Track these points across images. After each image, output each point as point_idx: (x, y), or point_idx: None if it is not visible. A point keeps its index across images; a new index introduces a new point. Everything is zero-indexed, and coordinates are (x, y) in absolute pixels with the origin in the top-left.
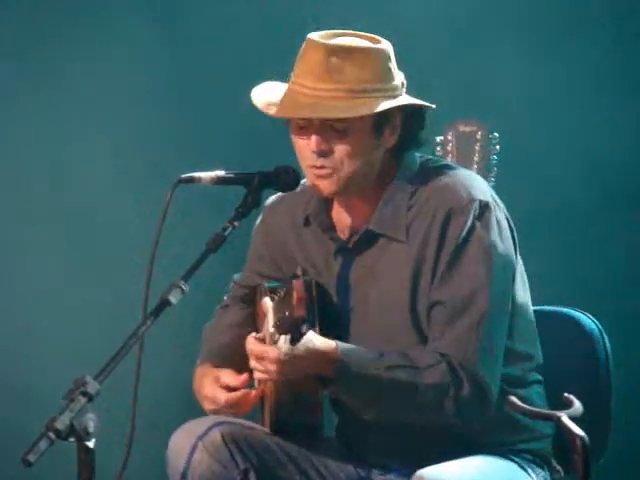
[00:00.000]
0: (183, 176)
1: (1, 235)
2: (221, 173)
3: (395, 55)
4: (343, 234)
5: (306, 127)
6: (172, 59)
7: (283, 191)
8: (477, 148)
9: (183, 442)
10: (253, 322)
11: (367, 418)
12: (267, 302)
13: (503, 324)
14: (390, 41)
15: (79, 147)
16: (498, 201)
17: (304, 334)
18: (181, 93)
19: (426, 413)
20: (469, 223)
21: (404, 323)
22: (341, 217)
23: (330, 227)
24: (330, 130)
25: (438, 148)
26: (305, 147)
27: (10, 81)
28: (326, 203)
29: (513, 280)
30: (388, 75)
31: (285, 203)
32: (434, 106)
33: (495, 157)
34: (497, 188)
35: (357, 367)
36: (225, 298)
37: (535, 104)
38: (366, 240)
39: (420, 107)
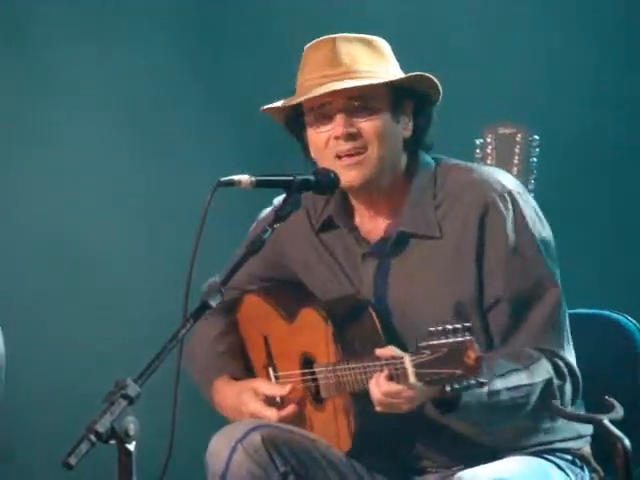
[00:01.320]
0: (222, 179)
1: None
2: (259, 176)
3: (432, 58)
4: (369, 236)
5: (326, 114)
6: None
7: (322, 194)
8: (517, 150)
9: (222, 444)
10: (236, 329)
11: (476, 432)
12: (406, 358)
13: (565, 304)
14: (426, 44)
15: (112, 157)
16: (524, 189)
17: (472, 390)
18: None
19: (538, 410)
20: (510, 213)
21: (449, 318)
22: (365, 220)
23: (353, 227)
24: (353, 112)
25: (478, 150)
26: (328, 137)
27: None
28: (346, 206)
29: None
30: (393, 61)
31: (297, 211)
32: (440, 95)
33: (535, 159)
34: (537, 190)
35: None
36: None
37: (572, 104)
38: (398, 242)
39: (429, 100)
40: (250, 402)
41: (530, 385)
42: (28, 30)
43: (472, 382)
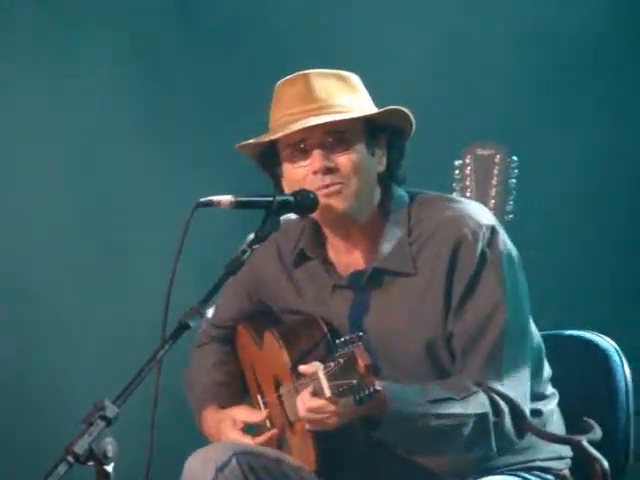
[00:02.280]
0: (202, 200)
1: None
2: (239, 197)
3: (411, 78)
4: (341, 270)
5: (304, 149)
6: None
7: (302, 215)
8: (495, 172)
9: (199, 466)
10: (236, 359)
11: (410, 456)
12: (319, 372)
13: (524, 343)
14: (406, 62)
15: (97, 168)
16: (499, 225)
17: (373, 398)
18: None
19: (470, 444)
20: (480, 250)
21: (420, 354)
22: (339, 254)
23: (327, 260)
24: (330, 147)
25: (456, 172)
26: (306, 172)
27: None
28: (319, 238)
29: (527, 297)
30: (366, 95)
31: (273, 241)
32: (413, 129)
33: (514, 180)
34: (514, 211)
35: (405, 407)
36: (199, 337)
37: (552, 125)
38: (372, 277)
39: (402, 134)
40: (228, 431)
41: (462, 415)
42: None
43: (368, 392)
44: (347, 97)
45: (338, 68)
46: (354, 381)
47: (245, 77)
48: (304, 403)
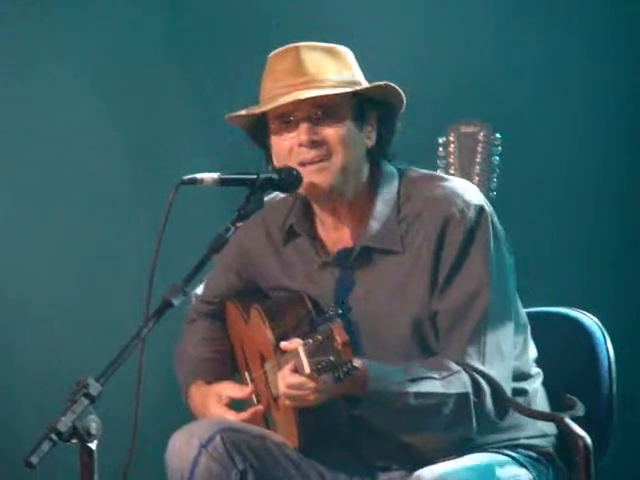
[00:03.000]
0: (185, 177)
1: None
2: (223, 174)
3: (395, 56)
4: (330, 246)
5: (291, 121)
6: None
7: (285, 192)
8: (479, 149)
9: (182, 443)
10: (225, 335)
11: (393, 432)
12: (300, 349)
13: (508, 323)
14: (386, 43)
15: (84, 147)
16: (489, 204)
17: (352, 375)
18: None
19: (451, 423)
20: (467, 230)
21: (407, 333)
22: (327, 230)
23: (316, 237)
24: (317, 120)
25: (440, 149)
26: (292, 144)
27: None
28: (308, 215)
29: (513, 278)
30: (357, 70)
31: (262, 218)
32: (404, 101)
33: (497, 158)
34: (498, 188)
35: (385, 385)
36: (189, 313)
37: (540, 104)
38: (360, 256)
39: (394, 110)
40: (213, 406)
41: (442, 395)
42: None
43: (346, 369)
44: (337, 72)
45: (321, 42)
46: (332, 358)
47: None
48: (284, 379)
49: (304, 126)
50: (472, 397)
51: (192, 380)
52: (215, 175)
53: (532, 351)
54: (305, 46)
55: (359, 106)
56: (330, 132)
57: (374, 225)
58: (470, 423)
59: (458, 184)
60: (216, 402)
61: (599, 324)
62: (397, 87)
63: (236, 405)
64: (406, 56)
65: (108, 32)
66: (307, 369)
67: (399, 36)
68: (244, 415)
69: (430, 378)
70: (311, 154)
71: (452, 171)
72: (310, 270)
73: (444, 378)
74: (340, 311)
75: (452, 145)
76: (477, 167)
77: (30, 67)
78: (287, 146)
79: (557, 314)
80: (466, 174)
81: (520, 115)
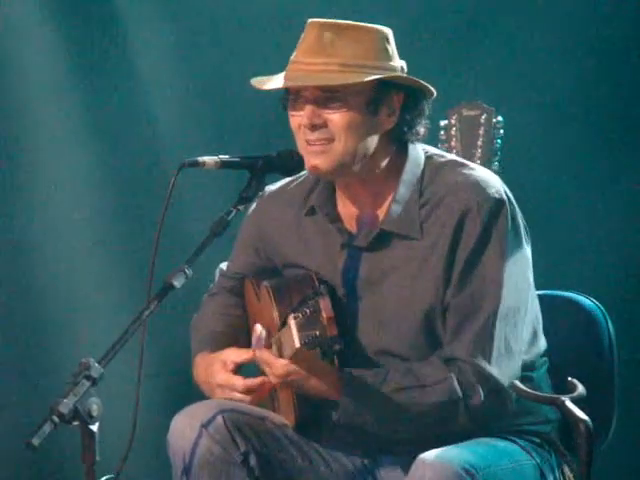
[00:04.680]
0: (187, 160)
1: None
2: (224, 157)
3: (398, 38)
4: (350, 226)
5: (299, 100)
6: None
7: (287, 175)
8: (481, 132)
9: (184, 424)
10: (243, 311)
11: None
12: (291, 321)
13: (520, 319)
14: (393, 24)
15: (90, 138)
16: (510, 196)
17: (337, 352)
18: (189, 81)
19: (436, 428)
20: (484, 224)
21: (416, 322)
22: (347, 209)
23: (336, 218)
24: (323, 103)
25: (442, 132)
26: (298, 122)
27: None
28: (331, 193)
29: (530, 274)
30: (384, 54)
31: (283, 195)
32: (434, 91)
33: (499, 141)
34: (500, 172)
35: (362, 393)
36: (212, 286)
37: (540, 88)
38: (379, 239)
39: (422, 94)
40: (218, 373)
41: (420, 405)
42: None
43: (330, 344)
44: (357, 55)
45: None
46: (318, 332)
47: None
48: (260, 356)
49: (308, 107)
50: (461, 403)
51: (199, 351)
52: (216, 158)
53: (542, 343)
54: (335, 23)
55: (376, 89)
56: (334, 116)
57: (395, 209)
58: (459, 425)
59: (481, 174)
60: (221, 368)
61: (600, 307)
62: (416, 79)
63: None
64: (407, 37)
65: None
66: (297, 343)
67: (401, 20)
68: (252, 381)
69: (410, 388)
70: (314, 136)
71: (454, 154)
72: (329, 250)
73: (424, 387)
74: (325, 291)
75: (454, 128)
76: (479, 150)
77: None
78: (295, 122)
79: (558, 296)
80: (468, 158)
81: (522, 97)
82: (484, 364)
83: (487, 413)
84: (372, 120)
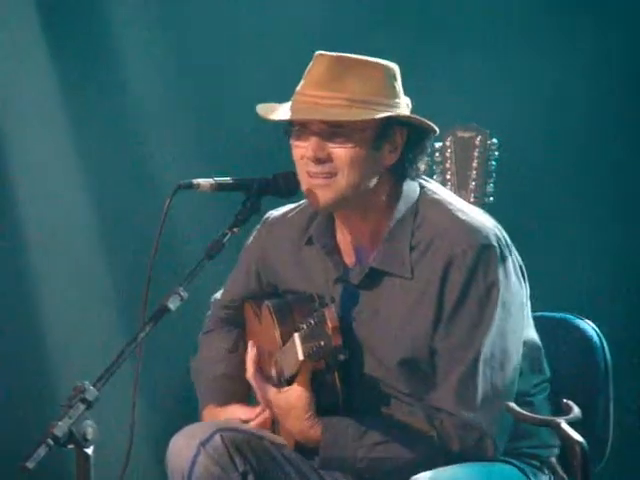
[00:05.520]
0: (182, 182)
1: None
2: (219, 179)
3: (393, 58)
4: (348, 257)
5: (304, 132)
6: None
7: (282, 197)
8: (476, 154)
9: (183, 444)
10: (244, 343)
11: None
12: (295, 335)
13: (508, 360)
14: (388, 43)
15: (88, 153)
16: (501, 239)
17: (340, 363)
18: (187, 102)
19: (420, 467)
20: (469, 271)
21: (404, 359)
22: (346, 240)
23: (333, 249)
24: (328, 137)
25: (437, 154)
26: (302, 154)
27: None
28: (331, 223)
29: (522, 316)
30: (391, 91)
31: (285, 222)
32: (437, 130)
33: (494, 163)
34: (495, 194)
35: (340, 447)
36: (206, 322)
37: (534, 109)
38: (370, 276)
39: (425, 131)
40: None
41: (398, 459)
42: None
43: (335, 354)
44: (365, 91)
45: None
46: (323, 342)
47: None
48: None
49: (313, 140)
50: (440, 454)
51: (206, 403)
52: (211, 180)
53: (544, 371)
54: (343, 58)
55: (381, 126)
56: (339, 151)
57: (386, 248)
58: (442, 465)
59: (471, 218)
60: None
61: (596, 329)
62: (422, 119)
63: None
64: (403, 59)
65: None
66: (301, 355)
67: (397, 41)
68: (255, 423)
69: (389, 442)
70: (317, 169)
71: (448, 176)
72: (326, 281)
73: (407, 439)
74: (330, 301)
75: (449, 150)
76: (474, 172)
77: None
78: (299, 153)
79: (554, 319)
80: (463, 179)
81: (517, 120)
82: (468, 414)
83: (468, 456)
84: (375, 156)
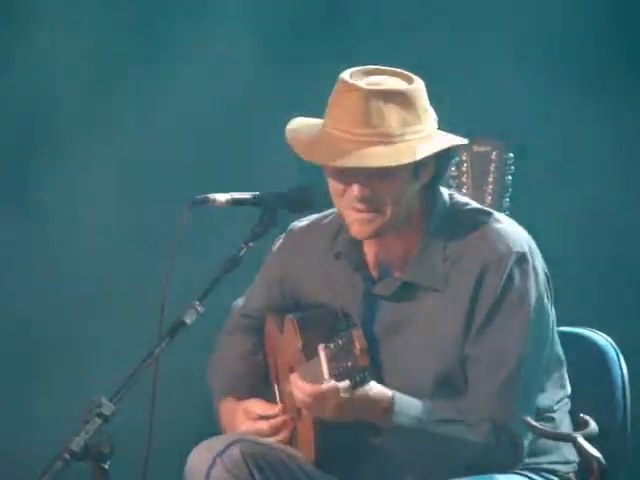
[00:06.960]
0: (197, 197)
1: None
2: (235, 194)
3: (411, 71)
4: (375, 271)
5: (347, 174)
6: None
7: (297, 211)
8: (492, 168)
9: (202, 458)
10: (262, 351)
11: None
12: (321, 353)
13: (538, 372)
14: (408, 61)
15: (99, 167)
16: (534, 248)
17: (367, 383)
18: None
19: (465, 465)
20: (505, 278)
21: (432, 373)
22: (374, 253)
23: (362, 264)
24: (372, 176)
25: (453, 168)
26: (345, 191)
27: None
28: (357, 240)
29: (552, 328)
30: (425, 115)
31: (311, 233)
32: (466, 141)
33: (510, 177)
34: (512, 208)
35: (410, 420)
36: (227, 324)
37: (550, 121)
38: (402, 289)
39: (451, 149)
40: (241, 423)
41: (463, 440)
42: None
43: (361, 376)
44: (404, 122)
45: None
46: (349, 363)
47: None
48: (298, 386)
49: (356, 186)
50: (491, 448)
51: (223, 397)
52: (227, 195)
53: (566, 386)
54: (375, 91)
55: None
56: (383, 186)
57: (420, 260)
58: (482, 469)
59: (504, 226)
60: (245, 420)
61: (613, 343)
62: (455, 140)
63: None
64: (420, 73)
65: None
66: (326, 374)
67: (413, 56)
68: (275, 422)
69: (455, 421)
70: (362, 206)
71: (465, 190)
72: (353, 294)
73: (468, 425)
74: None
75: (465, 165)
76: (490, 187)
77: None
78: (339, 190)
79: (570, 333)
80: (479, 194)
81: (533, 132)
82: (506, 420)
83: (504, 463)
84: (415, 183)
